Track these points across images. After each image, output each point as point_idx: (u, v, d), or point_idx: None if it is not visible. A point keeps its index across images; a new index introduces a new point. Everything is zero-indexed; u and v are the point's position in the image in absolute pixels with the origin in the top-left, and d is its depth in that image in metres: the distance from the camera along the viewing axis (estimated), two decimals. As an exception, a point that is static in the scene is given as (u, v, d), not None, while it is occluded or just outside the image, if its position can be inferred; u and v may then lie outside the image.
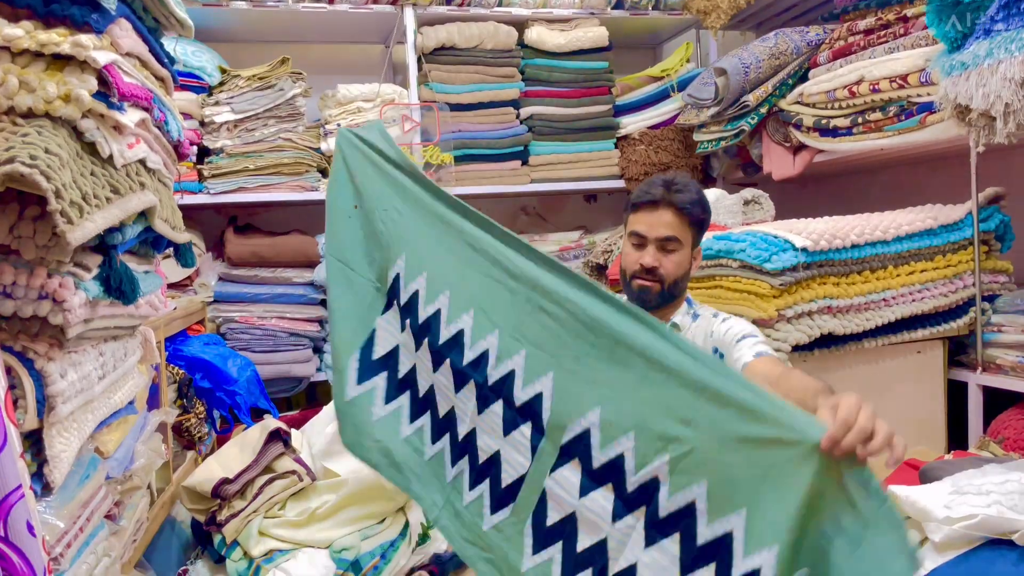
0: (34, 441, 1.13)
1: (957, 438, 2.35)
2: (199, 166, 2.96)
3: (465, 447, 1.44)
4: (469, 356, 1.41)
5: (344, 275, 1.60)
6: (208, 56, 2.97)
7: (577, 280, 1.31)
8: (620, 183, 3.43)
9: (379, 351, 1.57)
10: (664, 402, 1.19)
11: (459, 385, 1.44)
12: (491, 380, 1.38)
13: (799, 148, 2.85)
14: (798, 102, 2.74)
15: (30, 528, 0.94)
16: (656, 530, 1.18)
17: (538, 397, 1.32)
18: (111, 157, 1.22)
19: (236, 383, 2.51)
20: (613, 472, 1.23)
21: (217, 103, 2.94)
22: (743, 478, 1.09)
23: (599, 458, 1.25)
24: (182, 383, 2.34)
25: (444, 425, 1.49)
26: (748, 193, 2.91)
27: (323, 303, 3.09)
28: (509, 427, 1.36)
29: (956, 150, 2.36)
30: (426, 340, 1.48)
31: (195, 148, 2.91)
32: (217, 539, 2.13)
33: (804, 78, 2.78)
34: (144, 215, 1.34)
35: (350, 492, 2.15)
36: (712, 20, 3.18)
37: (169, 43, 1.57)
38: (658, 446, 1.19)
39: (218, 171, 2.94)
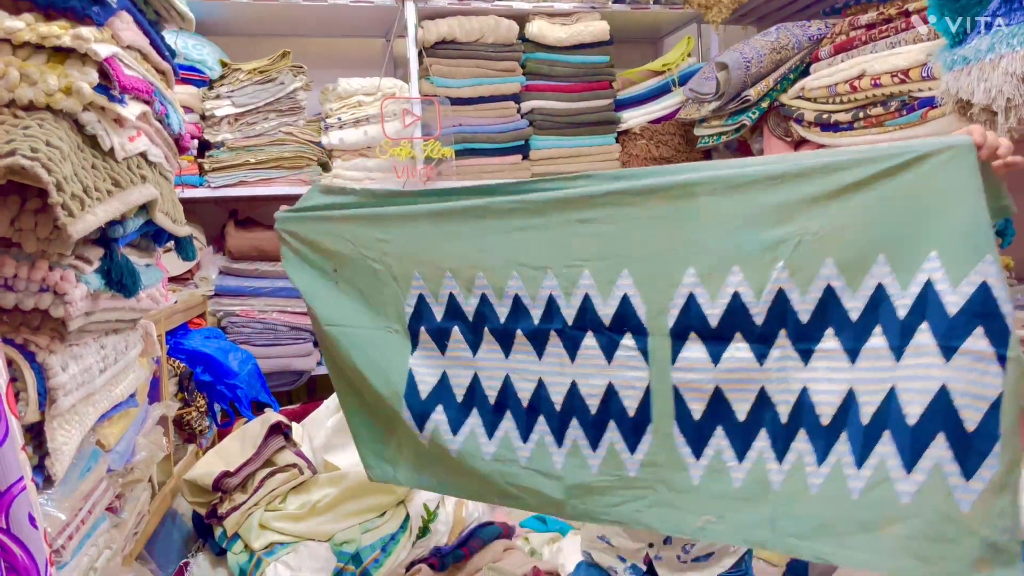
0: (36, 434, 1.14)
1: (957, 433, 2.35)
2: (200, 160, 2.96)
3: (567, 414, 1.37)
4: (536, 313, 1.37)
5: (348, 338, 1.50)
6: (209, 49, 2.96)
7: (599, 177, 1.32)
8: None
9: (425, 389, 1.49)
10: (749, 218, 1.19)
11: (540, 350, 1.39)
12: (570, 319, 1.35)
13: (800, 143, 2.85)
14: (799, 96, 2.74)
15: (32, 520, 0.94)
16: (806, 340, 1.18)
17: (624, 300, 1.30)
18: (112, 150, 1.22)
19: (237, 377, 2.52)
20: (735, 317, 1.21)
21: (218, 97, 2.94)
22: (864, 228, 1.12)
23: (715, 313, 1.23)
24: (183, 376, 2.35)
25: (531, 415, 1.42)
26: (749, 188, 2.90)
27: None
28: (610, 351, 1.32)
29: (957, 145, 2.36)
30: (485, 330, 1.43)
31: (196, 142, 2.91)
32: (218, 532, 2.14)
33: (805, 73, 2.77)
34: (145, 208, 1.34)
35: (350, 485, 2.15)
36: (713, 15, 3.17)
37: (170, 36, 1.57)
38: (767, 260, 1.18)
39: (219, 165, 2.94)
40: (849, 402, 1.15)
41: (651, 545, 1.64)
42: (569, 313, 1.35)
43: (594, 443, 1.36)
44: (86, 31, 1.12)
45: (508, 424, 1.43)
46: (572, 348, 1.35)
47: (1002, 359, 1.02)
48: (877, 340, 1.13)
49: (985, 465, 1.03)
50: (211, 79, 2.95)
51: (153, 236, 1.52)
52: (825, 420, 1.17)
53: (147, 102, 1.36)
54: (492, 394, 1.45)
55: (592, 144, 3.41)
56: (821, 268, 1.15)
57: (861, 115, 2.46)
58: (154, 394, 1.97)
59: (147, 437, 1.70)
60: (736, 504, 1.26)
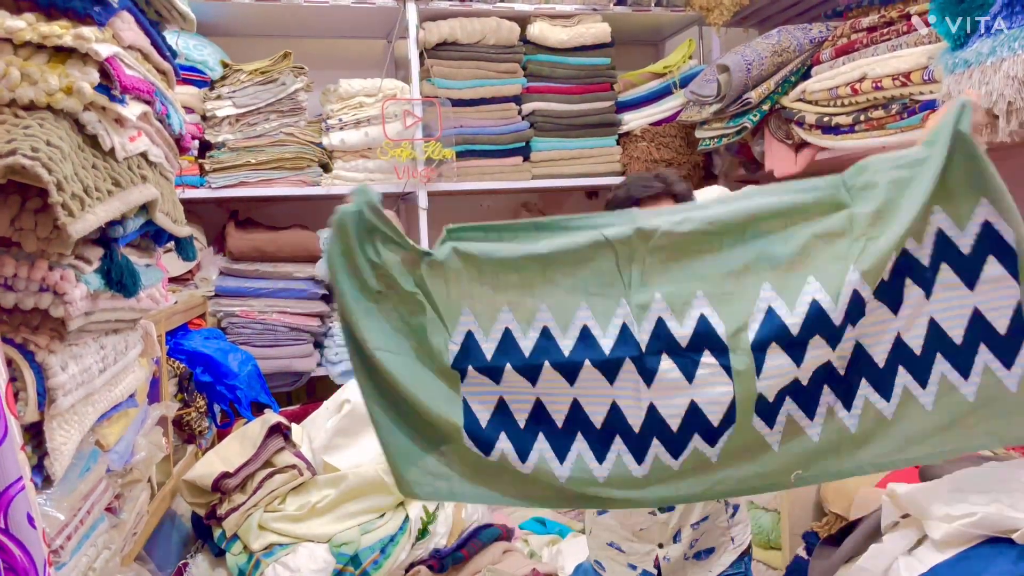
0: (35, 433, 1.13)
1: (957, 436, 2.35)
2: (201, 160, 2.96)
3: (646, 435, 1.35)
4: (607, 344, 1.34)
5: (393, 363, 1.36)
6: (210, 50, 2.97)
7: (666, 212, 1.37)
8: (622, 179, 3.42)
9: (484, 418, 1.39)
10: (817, 235, 1.30)
11: (612, 377, 1.35)
12: (644, 344, 1.33)
13: (801, 146, 2.84)
14: (800, 99, 2.74)
15: (30, 520, 0.94)
16: (863, 316, 1.30)
17: (702, 319, 1.31)
18: (112, 150, 1.22)
19: (237, 377, 2.52)
20: (816, 323, 1.28)
21: (219, 97, 2.95)
22: (897, 215, 1.27)
23: (795, 322, 1.28)
24: (183, 377, 2.35)
25: (605, 435, 1.38)
26: (750, 190, 2.90)
27: (324, 298, 3.09)
28: (691, 370, 1.32)
29: (958, 148, 2.36)
30: (545, 363, 1.36)
31: (197, 142, 2.92)
32: (217, 533, 2.14)
33: (807, 75, 2.77)
34: (145, 208, 1.34)
35: (350, 487, 2.15)
36: (715, 17, 3.17)
37: (171, 37, 1.57)
38: (839, 268, 1.28)
39: (219, 165, 2.94)
40: (898, 343, 1.33)
41: (661, 545, 1.64)
42: (643, 339, 1.33)
43: (676, 454, 1.36)
44: (87, 31, 1.12)
45: (580, 446, 1.39)
46: (648, 375, 1.34)
47: (1015, 275, 1.26)
48: (911, 290, 1.31)
49: (1020, 354, 1.29)
50: (212, 80, 2.95)
51: (153, 236, 1.52)
52: (881, 363, 1.33)
53: (148, 102, 1.36)
54: (559, 418, 1.39)
55: (593, 146, 3.41)
56: (887, 263, 1.28)
57: (862, 118, 2.46)
58: (154, 394, 1.97)
59: (146, 437, 1.70)
60: (818, 454, 1.35)
